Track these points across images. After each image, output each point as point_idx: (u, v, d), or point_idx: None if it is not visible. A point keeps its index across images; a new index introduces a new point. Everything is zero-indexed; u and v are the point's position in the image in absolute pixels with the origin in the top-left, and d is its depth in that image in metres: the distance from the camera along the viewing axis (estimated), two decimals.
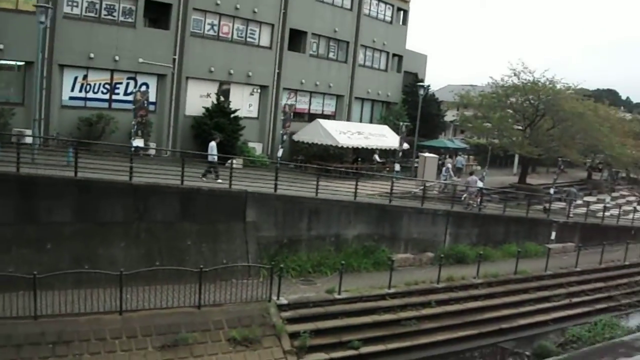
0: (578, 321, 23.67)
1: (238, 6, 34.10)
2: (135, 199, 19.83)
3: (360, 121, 43.83)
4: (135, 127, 20.27)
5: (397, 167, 29.27)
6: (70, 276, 16.63)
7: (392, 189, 26.18)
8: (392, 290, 21.19)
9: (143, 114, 20.31)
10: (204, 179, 23.01)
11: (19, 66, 27.60)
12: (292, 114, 26.64)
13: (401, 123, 34.43)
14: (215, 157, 25.25)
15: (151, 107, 31.58)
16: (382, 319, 19.88)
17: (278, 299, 18.58)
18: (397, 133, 36.07)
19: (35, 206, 18.30)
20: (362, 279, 22.31)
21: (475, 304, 22.86)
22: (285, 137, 26.15)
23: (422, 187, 29.00)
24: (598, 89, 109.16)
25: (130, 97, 30.21)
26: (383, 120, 44.28)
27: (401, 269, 24.33)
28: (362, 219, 24.74)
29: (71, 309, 15.75)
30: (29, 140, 23.52)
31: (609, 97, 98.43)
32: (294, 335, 17.59)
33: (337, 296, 19.74)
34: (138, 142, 20.51)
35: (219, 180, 23.32)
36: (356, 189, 24.72)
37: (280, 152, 27.25)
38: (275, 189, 22.61)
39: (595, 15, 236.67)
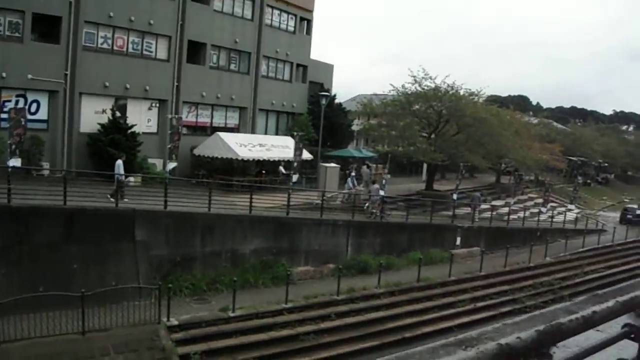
0: (483, 325, 23.91)
1: (132, 18, 33.15)
2: (14, 222, 19.00)
3: (266, 133, 43.41)
4: (13, 146, 19.45)
5: (296, 178, 29.18)
6: None
7: (289, 201, 26.06)
8: (289, 305, 20.89)
9: (20, 133, 19.55)
10: (112, 199, 22.36)
11: None
12: (180, 127, 26.19)
13: (295, 133, 34.41)
14: (123, 176, 24.69)
15: (43, 125, 30.66)
16: (279, 335, 19.56)
17: (168, 320, 18.10)
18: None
19: None
20: (260, 294, 22.02)
21: (377, 314, 22.69)
22: (174, 151, 25.67)
23: (322, 198, 28.99)
24: (509, 95, 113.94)
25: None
26: (289, 132, 44.21)
27: (301, 282, 24.22)
28: (258, 233, 24.51)
29: None
30: None
31: (520, 102, 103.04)
32: (184, 357, 17.09)
33: (230, 314, 19.36)
34: (15, 162, 19.72)
35: (126, 200, 22.73)
36: (251, 202, 24.46)
37: (169, 167, 26.74)
38: (165, 205, 22.09)
39: (511, 24, 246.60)
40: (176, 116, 29.31)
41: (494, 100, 55.49)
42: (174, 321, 18.23)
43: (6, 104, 28.71)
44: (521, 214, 41.93)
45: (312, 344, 19.84)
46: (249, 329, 19.31)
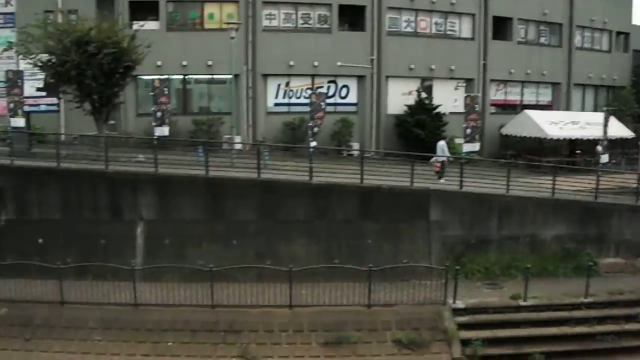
0: None
1: (434, 0, 33.42)
2: (315, 198, 20.47)
3: (583, 110, 39.79)
4: (315, 129, 21.02)
5: (604, 158, 26.18)
6: (251, 270, 17.81)
7: (597, 184, 23.33)
8: (589, 300, 18.46)
9: (321, 116, 20.99)
10: (441, 180, 22.95)
11: (230, 79, 28.73)
12: (474, 105, 25.33)
13: (605, 108, 30.68)
14: (446, 157, 24.89)
15: (353, 109, 32.92)
16: (573, 331, 17.54)
17: (454, 302, 17.56)
18: (617, 120, 32.21)
19: (222, 205, 20.03)
20: (558, 285, 19.93)
21: None
22: (474, 131, 24.78)
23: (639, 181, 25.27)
24: None
25: (331, 100, 31.28)
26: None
27: (609, 275, 21.31)
28: (561, 218, 22.13)
29: (245, 300, 16.87)
30: (238, 146, 26.67)
31: None
32: (466, 342, 16.43)
33: (521, 303, 17.96)
34: (313, 143, 21.31)
35: (442, 181, 22.96)
36: (554, 184, 22.43)
37: (466, 148, 26.04)
38: (461, 186, 21.46)
39: None
40: (471, 94, 28.56)
41: None
42: (460, 304, 17.59)
43: (319, 89, 31.00)
44: None
45: (609, 346, 17.39)
46: (539, 321, 17.66)
